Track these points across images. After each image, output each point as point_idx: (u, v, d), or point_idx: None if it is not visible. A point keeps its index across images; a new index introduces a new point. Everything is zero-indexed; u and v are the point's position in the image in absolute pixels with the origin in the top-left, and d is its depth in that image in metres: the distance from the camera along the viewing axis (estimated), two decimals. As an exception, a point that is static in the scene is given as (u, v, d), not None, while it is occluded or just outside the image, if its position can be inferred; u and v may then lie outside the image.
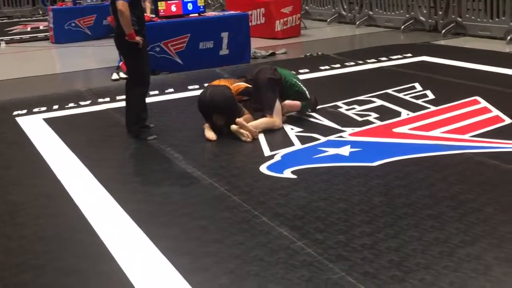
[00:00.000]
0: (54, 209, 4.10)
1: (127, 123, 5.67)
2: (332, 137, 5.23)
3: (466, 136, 5.07)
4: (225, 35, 9.05)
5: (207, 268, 3.17)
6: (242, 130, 5.23)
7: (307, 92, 5.82)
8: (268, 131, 5.42)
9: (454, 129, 5.29)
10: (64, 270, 3.23)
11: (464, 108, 5.93)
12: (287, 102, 5.69)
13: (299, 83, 5.81)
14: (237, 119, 5.28)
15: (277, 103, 5.53)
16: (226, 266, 3.18)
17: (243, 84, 5.63)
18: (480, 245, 3.27)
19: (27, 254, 3.44)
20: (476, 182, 4.15)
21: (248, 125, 5.30)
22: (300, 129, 5.50)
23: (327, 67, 8.48)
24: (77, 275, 3.18)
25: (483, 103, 6.04)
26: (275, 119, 5.51)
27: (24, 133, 5.90)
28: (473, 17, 10.70)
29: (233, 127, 5.27)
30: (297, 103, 5.74)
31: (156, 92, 7.24)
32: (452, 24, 11.00)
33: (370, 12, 12.84)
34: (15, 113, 6.66)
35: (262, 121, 5.45)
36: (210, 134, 5.35)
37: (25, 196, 4.35)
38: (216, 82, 5.71)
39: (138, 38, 5.30)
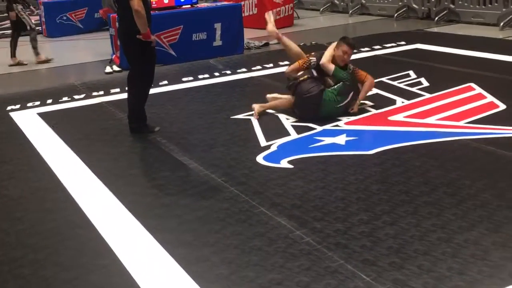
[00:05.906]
0: (51, 203, 4.09)
1: (129, 118, 5.55)
2: (327, 126, 5.23)
3: (462, 123, 5.08)
4: (218, 26, 9.02)
5: (206, 258, 3.17)
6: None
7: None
8: (263, 122, 5.43)
9: (449, 115, 5.30)
10: (63, 265, 3.22)
11: (459, 95, 5.93)
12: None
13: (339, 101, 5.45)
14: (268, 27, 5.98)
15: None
16: (224, 256, 3.18)
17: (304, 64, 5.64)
18: (478, 230, 3.28)
19: (25, 248, 3.43)
20: (473, 168, 4.16)
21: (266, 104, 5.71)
22: (295, 119, 5.50)
23: (321, 56, 8.44)
24: (77, 269, 3.17)
25: (478, 90, 6.05)
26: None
27: (18, 128, 5.87)
28: (465, 4, 10.69)
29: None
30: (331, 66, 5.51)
31: (150, 84, 7.19)
32: (445, 11, 10.99)
33: (363, 1, 12.80)
34: (9, 108, 6.63)
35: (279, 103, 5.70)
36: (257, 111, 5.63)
37: (21, 190, 4.34)
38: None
39: (153, 37, 5.11)
